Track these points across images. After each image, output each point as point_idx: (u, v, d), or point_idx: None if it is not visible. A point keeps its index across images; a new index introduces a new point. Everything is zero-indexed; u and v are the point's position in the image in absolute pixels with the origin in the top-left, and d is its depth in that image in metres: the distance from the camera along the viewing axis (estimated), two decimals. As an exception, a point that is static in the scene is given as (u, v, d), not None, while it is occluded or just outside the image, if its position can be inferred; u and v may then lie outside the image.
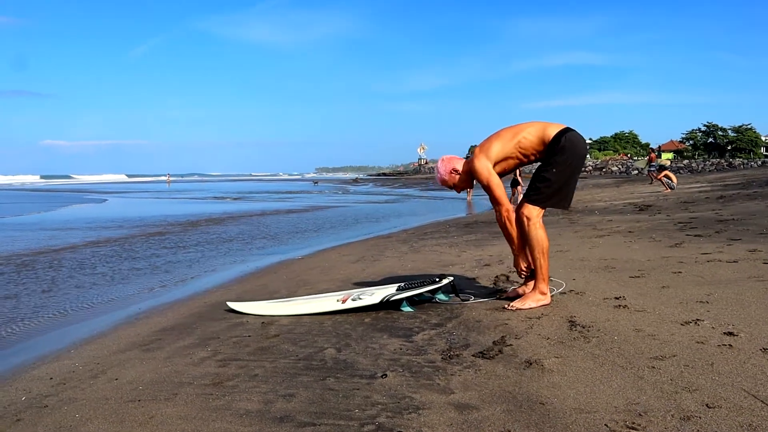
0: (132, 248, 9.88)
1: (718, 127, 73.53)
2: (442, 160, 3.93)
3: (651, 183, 25.73)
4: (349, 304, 3.93)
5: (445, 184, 3.95)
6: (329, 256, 7.83)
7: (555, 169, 3.59)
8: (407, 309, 3.84)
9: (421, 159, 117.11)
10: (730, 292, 3.55)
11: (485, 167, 3.66)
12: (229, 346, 3.37)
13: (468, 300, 3.95)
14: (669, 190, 16.20)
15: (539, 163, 3.79)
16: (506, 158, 3.71)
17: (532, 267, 3.74)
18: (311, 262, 7.37)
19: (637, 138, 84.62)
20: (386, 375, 2.60)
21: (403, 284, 4.02)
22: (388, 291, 3.93)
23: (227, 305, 4.45)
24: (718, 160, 58.25)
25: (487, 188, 3.69)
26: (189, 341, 3.62)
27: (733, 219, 7.27)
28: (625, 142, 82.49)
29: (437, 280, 3.94)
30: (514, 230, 3.73)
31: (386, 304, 3.86)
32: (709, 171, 43.20)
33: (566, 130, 3.62)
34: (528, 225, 3.65)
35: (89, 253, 9.23)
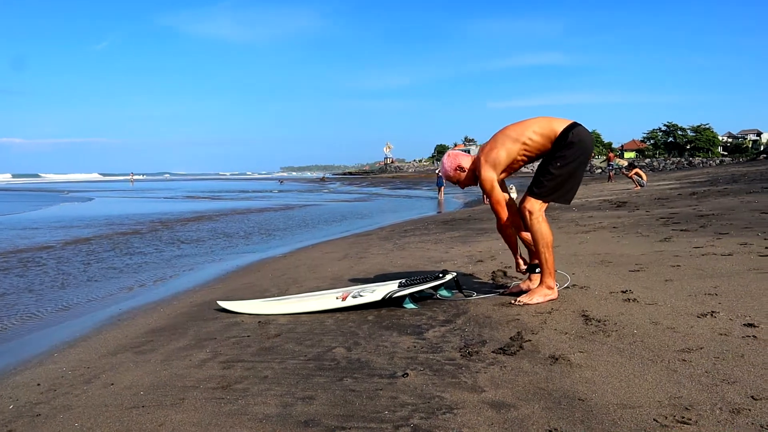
0: (104, 248, 9.53)
1: (677, 126, 75.59)
2: (449, 155, 3.85)
3: (609, 181, 26.30)
4: (350, 302, 3.80)
5: (450, 180, 3.87)
6: (312, 254, 7.67)
7: (559, 163, 3.53)
8: (410, 306, 3.73)
9: (387, 158, 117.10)
10: (735, 284, 3.54)
11: (489, 180, 3.62)
12: (229, 347, 3.20)
13: (471, 296, 3.86)
14: (639, 188, 16.47)
15: (543, 159, 3.73)
16: (512, 161, 3.64)
17: (537, 261, 3.68)
18: (295, 260, 7.19)
19: (599, 137, 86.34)
20: (407, 374, 2.48)
21: (404, 280, 3.90)
22: (390, 287, 3.82)
23: (218, 304, 4.26)
24: (678, 159, 59.90)
25: (488, 197, 3.70)
26: (184, 342, 3.43)
27: (713, 214, 7.38)
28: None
29: (440, 275, 3.84)
30: (510, 239, 3.77)
31: (389, 301, 3.74)
32: (670, 169, 44.31)
33: (573, 126, 3.56)
34: (530, 219, 3.58)
35: (62, 253, 8.86)
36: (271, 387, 2.49)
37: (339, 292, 4.03)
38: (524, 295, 3.63)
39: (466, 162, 3.79)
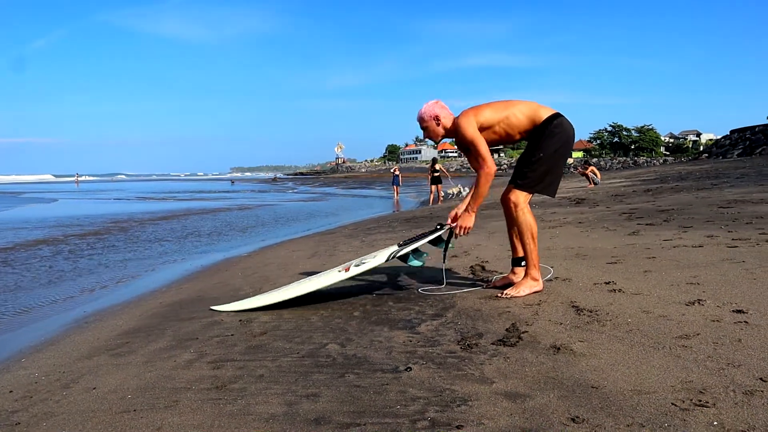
0: (59, 249, 9.11)
1: (622, 127, 78.11)
2: (437, 102, 3.75)
3: None
4: (354, 271, 3.80)
5: (421, 123, 3.77)
6: (278, 253, 7.53)
7: (542, 153, 3.54)
8: (416, 263, 3.81)
9: (338, 158, 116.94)
10: (713, 273, 3.63)
11: (471, 124, 3.56)
12: (214, 347, 3.07)
13: (450, 249, 3.92)
14: (593, 185, 16.90)
15: (524, 149, 3.74)
16: (491, 127, 3.60)
17: (523, 253, 3.69)
18: (262, 258, 7.03)
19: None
20: (411, 368, 2.43)
21: (402, 241, 3.96)
22: (391, 249, 3.84)
23: (214, 309, 4.02)
24: (624, 158, 61.90)
25: (471, 144, 3.57)
26: (163, 343, 3.28)
27: (672, 209, 7.61)
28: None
29: (438, 228, 3.85)
30: (485, 188, 3.56)
31: (394, 260, 3.79)
32: (617, 168, 45.72)
33: (557, 116, 3.58)
34: (516, 211, 3.59)
35: (17, 255, 8.40)
36: (269, 386, 2.39)
37: (339, 267, 4.01)
38: (511, 287, 3.62)
39: (446, 119, 3.71)
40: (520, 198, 3.59)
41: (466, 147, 3.66)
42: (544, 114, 3.57)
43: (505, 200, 3.68)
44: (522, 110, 3.59)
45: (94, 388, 2.60)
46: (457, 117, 3.66)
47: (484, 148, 3.54)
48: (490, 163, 3.53)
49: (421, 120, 3.77)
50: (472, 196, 3.62)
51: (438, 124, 3.72)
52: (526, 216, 3.58)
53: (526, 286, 3.58)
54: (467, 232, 3.67)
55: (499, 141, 3.70)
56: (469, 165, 3.90)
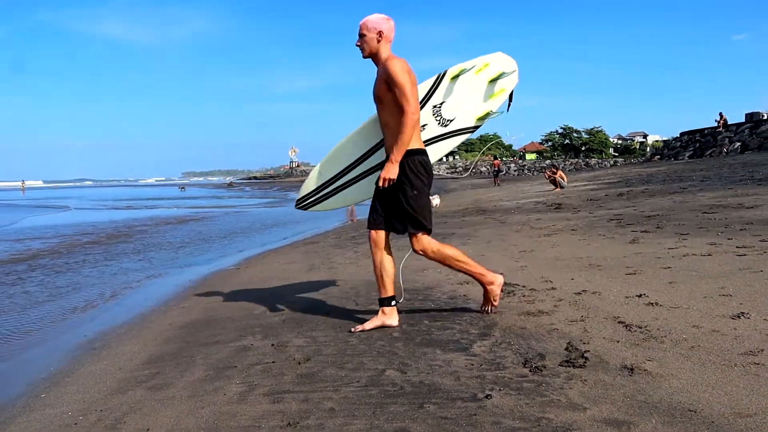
0: (24, 266, 8.63)
1: (573, 129, 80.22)
2: (388, 20, 3.55)
3: (496, 186, 28.15)
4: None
5: (362, 29, 3.53)
6: (269, 266, 7.35)
7: (416, 191, 3.50)
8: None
9: (292, 162, 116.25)
10: (739, 284, 3.72)
11: (405, 68, 3.38)
12: (260, 377, 2.94)
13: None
14: (559, 189, 17.24)
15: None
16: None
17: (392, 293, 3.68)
18: (254, 272, 6.84)
19: (500, 139, 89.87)
20: (490, 396, 2.38)
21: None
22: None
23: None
24: (575, 159, 63.51)
25: (399, 86, 3.33)
26: (200, 374, 3.12)
27: (658, 215, 7.81)
28: (490, 143, 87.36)
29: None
30: (410, 134, 3.37)
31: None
32: (570, 170, 46.87)
33: (426, 153, 3.57)
34: (426, 254, 3.64)
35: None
36: (348, 420, 2.29)
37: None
38: (367, 322, 3.64)
39: (384, 44, 3.51)
40: (424, 241, 3.60)
41: (384, 93, 3.45)
42: (415, 142, 3.48)
43: (414, 249, 3.64)
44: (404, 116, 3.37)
45: (148, 430, 2.44)
46: (391, 57, 3.47)
47: (410, 91, 3.34)
48: (415, 106, 3.37)
49: (365, 26, 3.53)
50: (396, 145, 3.39)
51: (378, 42, 3.50)
52: (375, 254, 3.71)
53: (378, 319, 3.61)
54: (389, 184, 3.43)
55: (381, 110, 3.57)
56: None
